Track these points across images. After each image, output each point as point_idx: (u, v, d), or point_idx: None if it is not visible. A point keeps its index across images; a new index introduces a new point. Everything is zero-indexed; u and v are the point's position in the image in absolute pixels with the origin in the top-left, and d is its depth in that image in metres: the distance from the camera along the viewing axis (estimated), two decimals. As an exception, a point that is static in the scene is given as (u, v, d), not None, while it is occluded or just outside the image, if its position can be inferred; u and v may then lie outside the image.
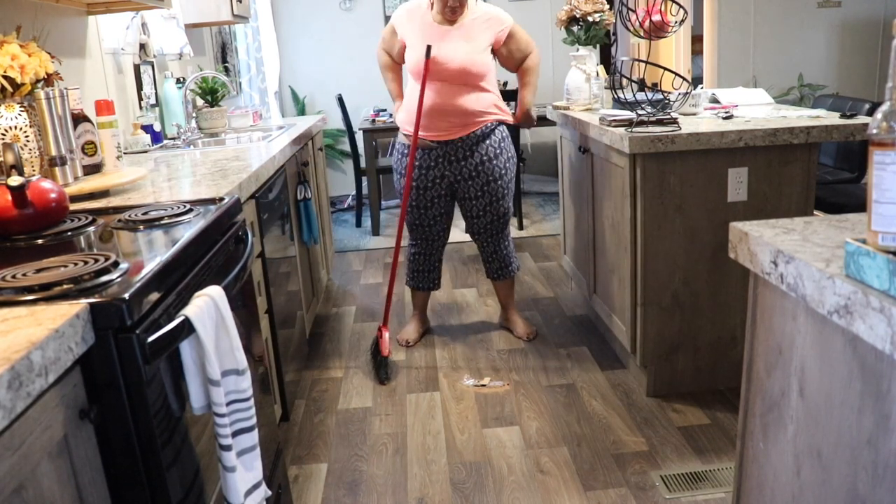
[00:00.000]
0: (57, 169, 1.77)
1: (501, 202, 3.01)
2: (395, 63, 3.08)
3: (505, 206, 3.04)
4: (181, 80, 3.50)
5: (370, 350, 3.02)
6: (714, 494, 2.04)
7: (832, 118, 2.52)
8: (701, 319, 2.55)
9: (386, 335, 2.93)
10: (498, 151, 2.96)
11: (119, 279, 1.05)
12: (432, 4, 2.87)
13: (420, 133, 2.87)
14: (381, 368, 2.88)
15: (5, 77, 1.64)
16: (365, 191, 5.38)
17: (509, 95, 4.77)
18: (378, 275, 4.21)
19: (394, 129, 3.11)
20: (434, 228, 3.06)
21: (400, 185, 3.03)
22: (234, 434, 1.24)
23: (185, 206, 1.54)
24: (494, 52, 2.97)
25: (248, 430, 1.26)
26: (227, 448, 1.18)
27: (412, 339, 3.19)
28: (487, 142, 2.92)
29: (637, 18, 2.64)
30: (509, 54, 2.99)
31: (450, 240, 4.82)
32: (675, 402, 2.56)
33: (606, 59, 6.50)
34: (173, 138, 3.17)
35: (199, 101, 3.51)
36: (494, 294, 3.70)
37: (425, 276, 3.18)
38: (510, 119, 3.04)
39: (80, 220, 1.50)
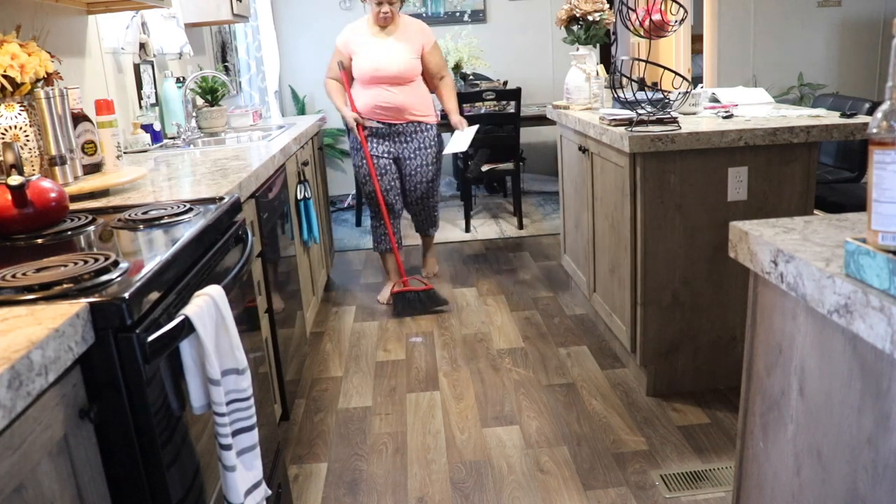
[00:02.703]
0: (57, 168, 1.77)
1: (431, 182, 3.74)
2: (342, 83, 3.62)
3: (433, 185, 3.77)
4: (181, 79, 3.50)
5: (401, 301, 3.54)
6: (714, 494, 2.04)
7: (832, 117, 2.52)
8: (701, 319, 2.55)
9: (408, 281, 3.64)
10: (431, 143, 3.68)
11: (119, 279, 1.05)
12: (369, 21, 3.52)
13: (371, 119, 3.58)
14: (432, 300, 3.54)
15: (5, 76, 1.64)
16: (365, 190, 5.37)
17: (509, 95, 4.78)
18: (378, 274, 4.21)
19: (392, 124, 3.62)
20: (388, 195, 3.67)
21: (357, 159, 3.66)
22: (234, 433, 1.24)
23: (184, 206, 1.54)
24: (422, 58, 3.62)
25: (248, 429, 1.26)
26: (227, 447, 1.18)
27: (387, 293, 3.74)
28: (425, 133, 3.65)
29: (637, 17, 2.64)
30: (426, 66, 3.62)
31: (450, 240, 4.83)
32: (675, 401, 2.56)
33: (606, 59, 6.50)
34: (173, 138, 3.17)
35: (199, 101, 3.51)
36: (494, 294, 3.76)
37: (388, 238, 3.74)
38: (434, 120, 3.71)
39: (79, 219, 1.50)
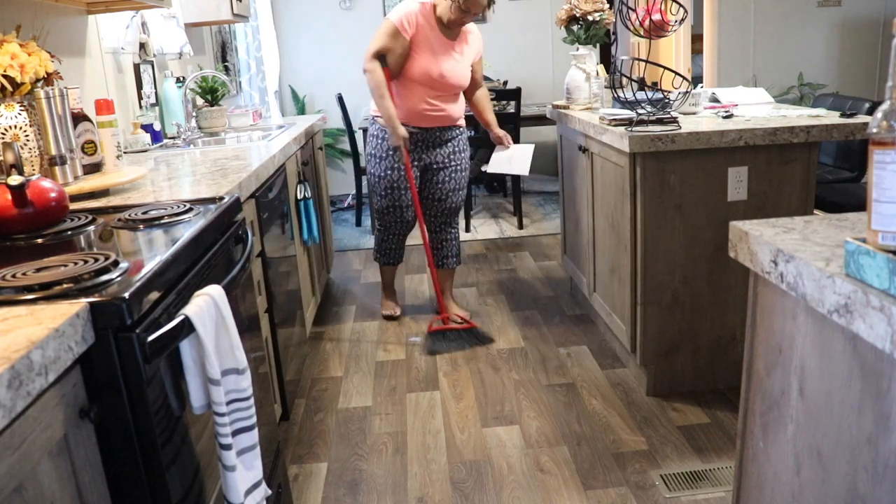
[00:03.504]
0: (57, 168, 1.77)
1: (460, 192, 3.35)
2: (389, 83, 3.08)
3: (461, 197, 3.37)
4: (181, 79, 3.50)
5: (440, 339, 3.20)
6: (714, 493, 2.04)
7: (832, 117, 2.52)
8: (701, 318, 2.55)
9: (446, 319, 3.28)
10: (464, 146, 3.33)
11: (119, 278, 1.05)
12: (440, 17, 3.05)
13: (408, 125, 3.14)
14: (476, 338, 3.17)
15: (5, 76, 1.64)
16: (365, 190, 5.38)
17: (509, 95, 4.78)
18: (378, 274, 4.21)
19: (428, 129, 3.18)
20: (407, 212, 3.31)
21: (380, 169, 3.22)
22: (234, 433, 1.24)
23: (184, 206, 1.54)
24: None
25: (248, 429, 1.26)
26: (227, 447, 1.18)
27: (396, 311, 3.50)
28: (459, 137, 3.30)
29: (637, 17, 2.63)
30: (473, 73, 3.27)
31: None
32: (674, 401, 2.56)
33: (606, 59, 6.50)
34: (173, 137, 3.17)
35: (199, 101, 3.51)
36: (494, 294, 3.75)
37: (398, 252, 3.45)
38: (464, 122, 3.36)
39: (79, 219, 1.50)
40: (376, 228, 3.42)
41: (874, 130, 0.85)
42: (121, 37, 2.97)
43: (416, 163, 3.23)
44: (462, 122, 3.30)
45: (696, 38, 6.02)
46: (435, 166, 3.26)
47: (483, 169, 3.39)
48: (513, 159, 3.34)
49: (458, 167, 3.30)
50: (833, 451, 0.98)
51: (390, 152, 3.18)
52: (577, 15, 3.32)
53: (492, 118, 3.38)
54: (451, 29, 3.08)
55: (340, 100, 5.25)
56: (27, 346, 0.80)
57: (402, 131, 3.05)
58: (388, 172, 3.20)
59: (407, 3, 3.10)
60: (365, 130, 5.00)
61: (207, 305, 1.15)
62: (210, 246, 1.43)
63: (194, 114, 3.38)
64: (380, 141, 3.20)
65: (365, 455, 2.35)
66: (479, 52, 3.27)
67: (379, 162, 3.21)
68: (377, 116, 3.19)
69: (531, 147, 3.39)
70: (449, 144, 3.25)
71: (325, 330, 3.43)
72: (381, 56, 3.05)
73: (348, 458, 2.34)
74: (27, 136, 1.72)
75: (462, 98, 3.27)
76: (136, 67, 3.11)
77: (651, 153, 2.37)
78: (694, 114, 2.81)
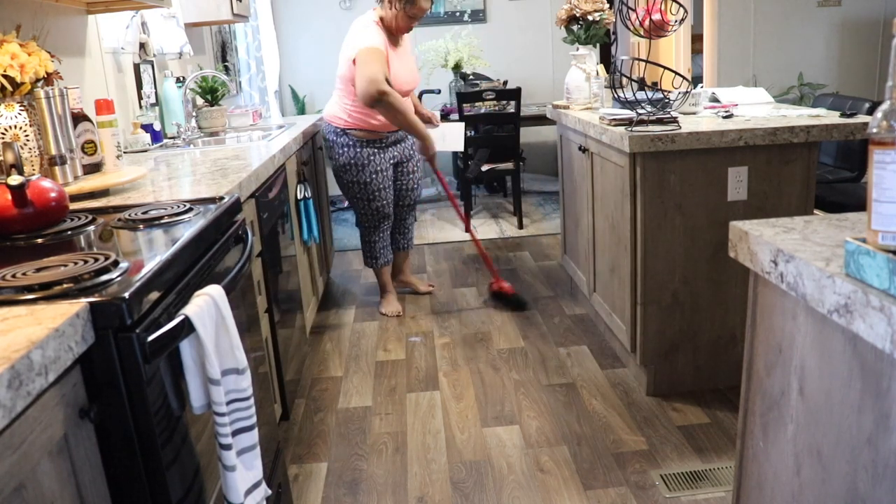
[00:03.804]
0: (57, 168, 1.77)
1: (422, 180, 3.63)
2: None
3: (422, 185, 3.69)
4: (181, 79, 3.50)
5: (500, 300, 3.57)
6: (714, 493, 2.04)
7: (832, 117, 2.52)
8: (701, 318, 2.55)
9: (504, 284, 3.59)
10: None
11: (119, 278, 1.05)
12: (388, 28, 3.21)
13: (380, 129, 3.32)
14: (519, 301, 3.50)
15: (5, 76, 1.64)
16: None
17: (509, 95, 4.78)
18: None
19: (395, 131, 3.35)
20: (390, 207, 3.49)
21: (364, 175, 3.36)
22: (234, 433, 1.24)
23: (184, 206, 1.54)
24: None
25: (248, 429, 1.26)
26: (227, 447, 1.18)
27: (401, 310, 3.58)
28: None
29: (637, 17, 2.64)
30: None
31: (450, 239, 4.83)
32: (675, 401, 2.56)
33: (606, 58, 6.50)
34: (173, 137, 3.17)
35: (199, 101, 3.51)
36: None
37: (389, 249, 3.62)
38: None
39: (79, 219, 1.50)
40: (366, 233, 3.52)
41: (874, 130, 0.85)
42: (121, 37, 2.97)
43: (391, 161, 3.43)
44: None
45: (696, 38, 6.02)
46: (404, 160, 3.52)
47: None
48: (446, 136, 3.51)
49: (418, 157, 3.57)
50: (833, 450, 0.98)
51: (371, 157, 3.34)
52: (577, 15, 3.32)
53: (415, 101, 3.55)
54: (396, 36, 3.26)
55: (340, 100, 5.24)
56: (27, 346, 0.80)
57: (433, 143, 3.34)
58: (373, 176, 3.36)
59: (365, 27, 3.18)
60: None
61: (207, 305, 1.15)
62: (210, 246, 1.43)
63: (194, 114, 3.38)
64: (357, 150, 3.32)
65: (365, 455, 2.35)
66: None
67: (361, 169, 3.34)
68: (347, 129, 3.30)
69: (461, 125, 3.60)
70: (408, 139, 3.51)
71: (325, 330, 3.43)
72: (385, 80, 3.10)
73: (348, 458, 2.34)
74: (27, 136, 1.72)
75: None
76: (136, 67, 3.11)
77: (651, 153, 2.37)
78: (694, 114, 2.81)
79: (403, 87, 3.23)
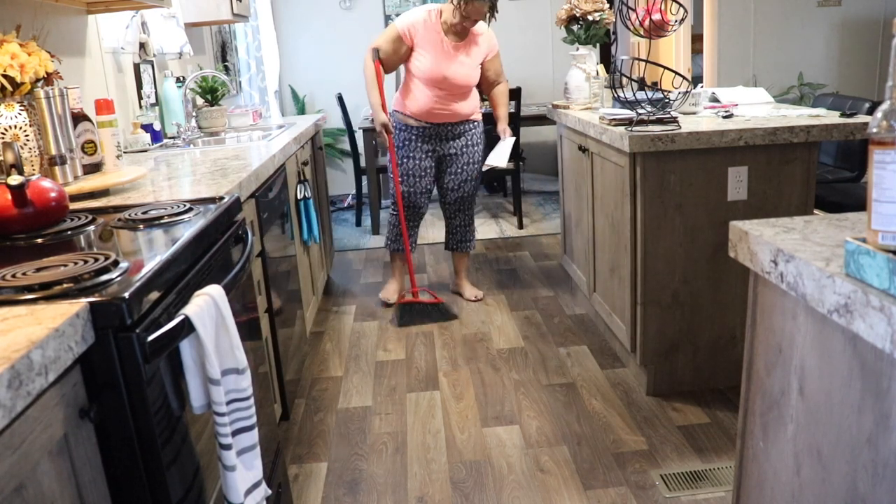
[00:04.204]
0: (57, 168, 1.77)
1: (471, 182, 3.58)
2: (380, 75, 3.39)
3: (472, 187, 3.60)
4: (181, 79, 3.49)
5: (408, 312, 3.50)
6: (714, 493, 2.04)
7: (832, 117, 2.52)
8: (701, 318, 2.55)
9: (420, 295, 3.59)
10: (478, 140, 3.54)
11: (119, 278, 1.05)
12: (444, 22, 3.29)
13: (419, 119, 3.43)
14: (441, 314, 3.47)
15: (5, 76, 1.64)
16: (365, 190, 5.38)
17: (509, 95, 4.78)
18: (378, 274, 4.21)
19: (434, 124, 3.43)
20: (420, 199, 3.55)
21: (398, 157, 3.51)
22: (234, 433, 1.24)
23: (184, 206, 1.54)
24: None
25: (248, 429, 1.26)
26: (227, 447, 1.18)
27: (392, 299, 3.66)
28: (472, 131, 3.52)
29: (637, 17, 2.63)
30: (485, 73, 3.49)
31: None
32: (674, 400, 2.56)
33: (606, 58, 6.50)
34: (173, 137, 3.17)
35: (199, 100, 3.51)
36: (494, 294, 3.76)
37: (411, 239, 3.64)
38: (479, 116, 3.59)
39: (79, 219, 1.50)
40: (391, 215, 3.63)
41: (874, 130, 0.85)
42: (121, 37, 2.97)
43: (430, 154, 3.49)
44: (476, 116, 3.51)
45: (696, 38, 6.02)
46: (448, 158, 3.51)
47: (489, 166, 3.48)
48: (498, 151, 3.50)
49: (470, 160, 3.52)
50: (833, 450, 0.98)
51: (405, 143, 3.47)
52: (577, 15, 3.32)
53: (503, 114, 3.53)
54: (457, 34, 3.30)
55: (340, 100, 5.25)
56: (27, 346, 0.80)
57: (382, 118, 3.35)
58: (405, 160, 3.48)
59: (415, 10, 3.36)
60: (365, 130, 5.06)
61: (207, 305, 1.15)
62: (210, 246, 1.43)
63: (194, 114, 3.38)
64: (398, 131, 3.49)
65: (365, 455, 2.35)
66: (492, 51, 3.44)
67: (398, 149, 3.50)
68: (396, 111, 3.48)
69: (512, 139, 3.54)
70: (462, 138, 3.49)
71: (325, 330, 3.43)
72: (376, 50, 3.34)
73: (348, 458, 2.34)
74: (27, 135, 1.72)
75: (475, 95, 3.47)
76: (136, 67, 3.11)
77: (651, 153, 2.37)
78: (694, 114, 2.81)
79: (432, 82, 3.32)
